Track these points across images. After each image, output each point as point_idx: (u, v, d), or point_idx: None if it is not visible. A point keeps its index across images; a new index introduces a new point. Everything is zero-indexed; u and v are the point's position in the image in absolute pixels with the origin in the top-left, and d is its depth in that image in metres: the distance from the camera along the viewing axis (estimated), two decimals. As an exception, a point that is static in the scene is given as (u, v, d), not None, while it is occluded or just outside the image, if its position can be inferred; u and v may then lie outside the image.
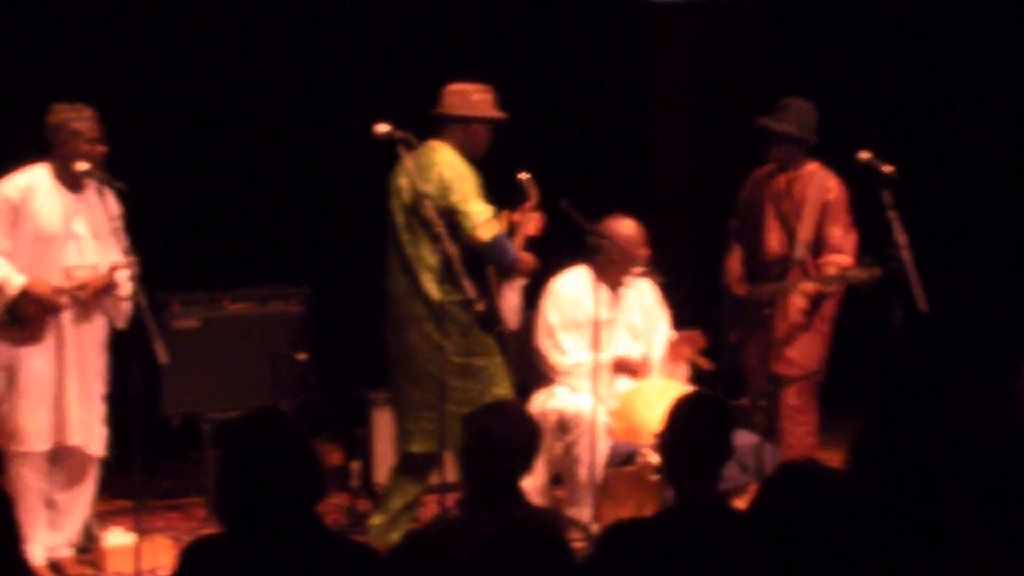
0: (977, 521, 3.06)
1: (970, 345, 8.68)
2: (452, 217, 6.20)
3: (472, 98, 6.43)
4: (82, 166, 5.97)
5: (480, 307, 6.16)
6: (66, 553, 6.27)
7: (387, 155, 6.33)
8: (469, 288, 6.08)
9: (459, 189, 6.24)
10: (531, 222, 6.45)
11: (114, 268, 6.04)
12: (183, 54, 8.21)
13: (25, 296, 5.97)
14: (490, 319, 6.36)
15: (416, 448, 6.38)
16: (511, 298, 6.48)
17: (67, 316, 6.08)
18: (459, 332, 6.28)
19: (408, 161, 6.22)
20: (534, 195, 6.50)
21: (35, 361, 6.07)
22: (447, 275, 6.17)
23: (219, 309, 7.23)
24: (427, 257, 6.28)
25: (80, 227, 6.09)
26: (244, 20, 8.41)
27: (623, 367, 6.78)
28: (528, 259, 6.41)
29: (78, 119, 6.02)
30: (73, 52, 7.86)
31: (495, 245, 6.27)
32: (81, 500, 6.29)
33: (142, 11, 8.10)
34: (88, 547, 6.40)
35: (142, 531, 6.23)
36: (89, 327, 6.16)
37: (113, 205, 6.12)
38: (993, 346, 8.29)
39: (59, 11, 7.88)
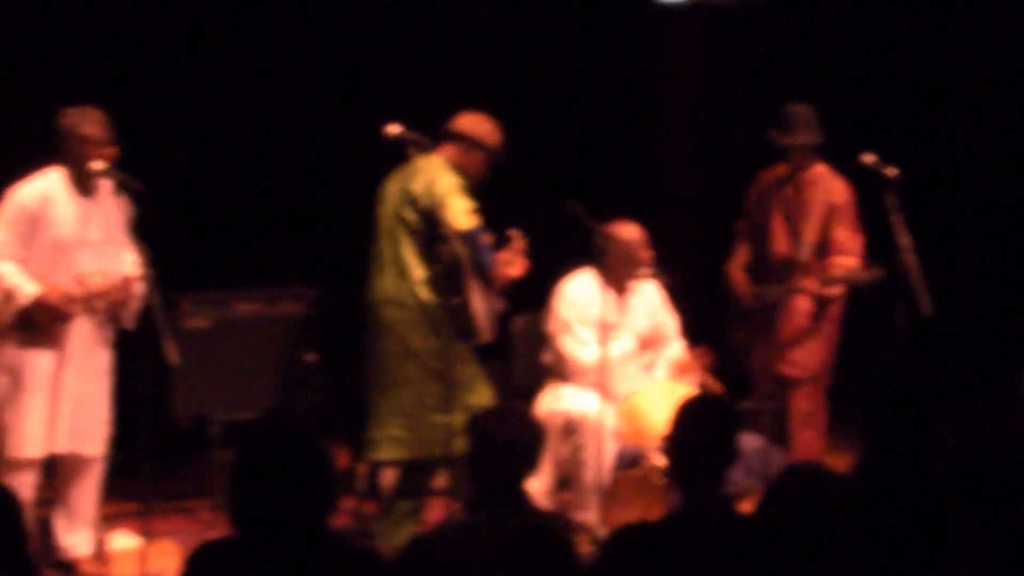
0: (978, 525, 3.08)
1: (974, 348, 8.67)
2: (435, 212, 6.23)
3: (484, 126, 6.53)
4: (98, 165, 5.97)
5: (455, 301, 6.19)
6: (81, 553, 6.24)
7: (398, 156, 6.36)
8: (465, 290, 6.15)
9: (443, 184, 6.29)
10: (516, 265, 6.42)
11: (129, 280, 6.08)
12: (193, 54, 8.22)
13: (37, 305, 5.97)
14: (466, 329, 6.36)
15: (384, 456, 6.41)
16: (486, 308, 6.45)
17: (77, 322, 6.08)
18: (435, 336, 6.29)
19: (414, 164, 6.26)
20: (522, 245, 6.46)
21: (41, 366, 6.06)
22: (440, 279, 6.22)
23: (229, 309, 7.22)
24: (411, 261, 6.32)
25: (94, 233, 6.11)
26: (257, 20, 8.42)
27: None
28: (502, 273, 6.37)
29: (86, 123, 6.00)
30: (81, 52, 7.87)
31: (471, 237, 6.27)
32: (86, 500, 6.26)
33: (151, 10, 8.11)
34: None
35: (148, 534, 6.25)
36: (93, 328, 6.15)
37: (125, 207, 6.15)
38: (997, 350, 8.28)
39: (67, 10, 7.89)
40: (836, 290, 6.81)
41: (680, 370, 6.85)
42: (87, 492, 6.26)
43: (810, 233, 6.88)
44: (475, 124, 6.53)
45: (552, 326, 6.81)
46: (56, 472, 6.26)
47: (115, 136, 6.08)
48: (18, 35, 7.79)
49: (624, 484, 6.41)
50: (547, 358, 6.89)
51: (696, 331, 7.15)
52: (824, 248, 6.90)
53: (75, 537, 6.26)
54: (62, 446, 6.10)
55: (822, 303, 6.88)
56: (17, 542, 3.34)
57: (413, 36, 8.77)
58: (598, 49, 9.28)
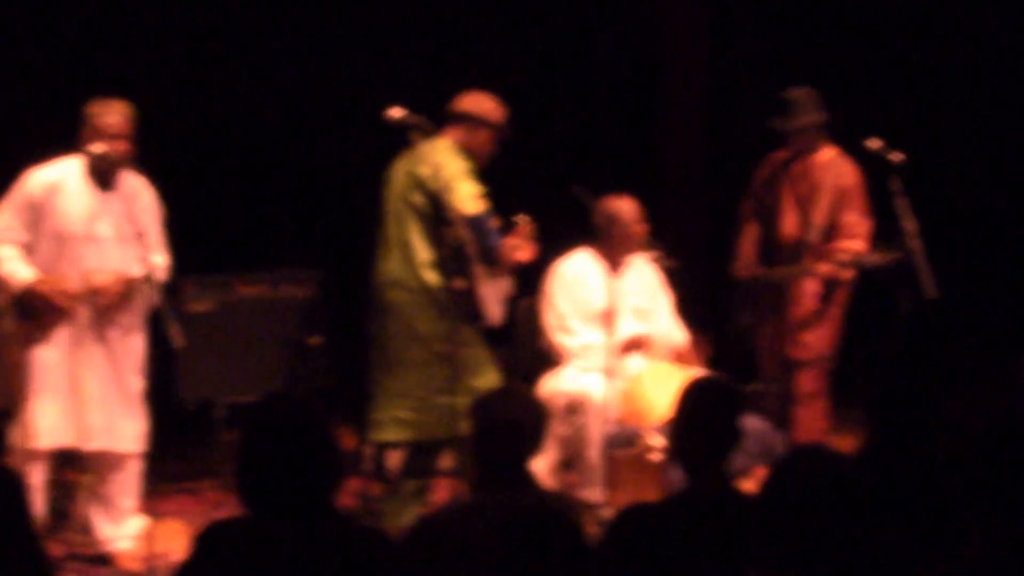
0: (981, 507, 3.08)
1: (978, 332, 8.68)
2: (442, 195, 6.24)
3: (486, 103, 6.54)
4: (96, 148, 5.87)
5: (459, 284, 6.21)
6: (123, 546, 6.15)
7: (401, 140, 6.36)
8: (470, 275, 6.17)
9: (451, 168, 6.31)
10: (524, 250, 6.44)
11: (133, 280, 5.93)
12: (195, 39, 8.23)
13: (30, 293, 5.85)
14: (472, 314, 6.38)
15: (389, 438, 6.43)
16: (494, 292, 6.47)
17: (85, 315, 5.93)
18: (440, 319, 6.31)
19: (422, 147, 6.27)
20: (529, 230, 6.47)
21: (46, 357, 5.92)
22: (446, 261, 6.23)
23: (233, 292, 7.23)
24: (417, 244, 6.33)
25: (105, 229, 5.96)
26: (261, 2, 8.43)
27: (632, 345, 6.79)
28: (510, 257, 6.40)
29: (104, 114, 5.87)
30: (86, 41, 7.89)
31: (478, 221, 6.28)
32: (125, 494, 6.14)
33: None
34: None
35: (155, 514, 6.26)
36: (115, 326, 6.01)
37: (156, 204, 6.09)
38: (1000, 333, 8.29)
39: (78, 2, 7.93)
40: (849, 273, 6.81)
41: (679, 360, 6.86)
42: (126, 487, 6.13)
43: (819, 216, 6.88)
44: (478, 102, 6.54)
45: (545, 313, 6.82)
46: (91, 467, 6.15)
47: (136, 132, 5.95)
48: (30, 26, 7.83)
49: (619, 464, 6.42)
50: (542, 342, 6.91)
51: (697, 314, 7.16)
52: (832, 231, 6.90)
53: (116, 530, 6.15)
54: (92, 443, 5.99)
55: (831, 286, 6.88)
56: (22, 520, 3.36)
57: (415, 18, 8.77)
58: (601, 27, 9.27)
